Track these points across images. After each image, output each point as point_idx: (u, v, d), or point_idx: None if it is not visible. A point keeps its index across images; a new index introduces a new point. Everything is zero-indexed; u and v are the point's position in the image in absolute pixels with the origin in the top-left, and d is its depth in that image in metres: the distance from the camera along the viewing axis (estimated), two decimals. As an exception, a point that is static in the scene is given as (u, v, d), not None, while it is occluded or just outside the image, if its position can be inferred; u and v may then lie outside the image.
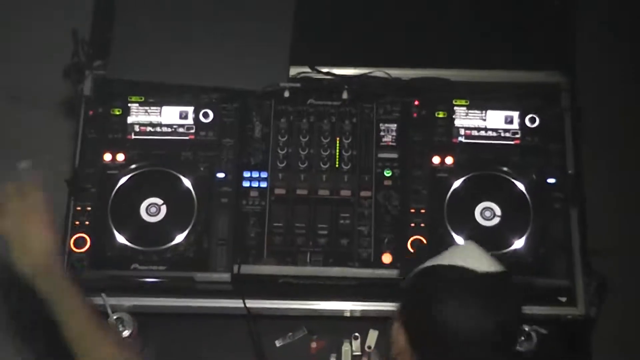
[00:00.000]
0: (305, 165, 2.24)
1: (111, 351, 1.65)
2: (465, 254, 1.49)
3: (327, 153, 2.25)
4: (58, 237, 1.65)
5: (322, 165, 2.24)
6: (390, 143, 2.26)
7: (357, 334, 2.24)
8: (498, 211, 2.17)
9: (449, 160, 2.23)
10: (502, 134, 2.26)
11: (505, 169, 2.20)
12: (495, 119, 2.27)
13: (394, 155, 2.24)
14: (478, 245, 1.53)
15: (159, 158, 2.22)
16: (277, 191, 2.22)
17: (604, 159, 2.82)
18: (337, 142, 2.26)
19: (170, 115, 2.27)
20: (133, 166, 2.20)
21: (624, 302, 2.53)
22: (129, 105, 2.28)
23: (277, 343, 2.25)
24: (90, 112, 2.28)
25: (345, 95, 2.30)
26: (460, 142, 2.26)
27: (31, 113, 3.33)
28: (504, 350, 1.46)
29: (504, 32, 2.49)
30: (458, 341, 1.39)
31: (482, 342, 1.39)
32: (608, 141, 3.03)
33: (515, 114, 2.27)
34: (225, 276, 2.13)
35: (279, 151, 2.25)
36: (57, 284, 1.60)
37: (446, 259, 1.49)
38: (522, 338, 2.14)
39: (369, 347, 2.22)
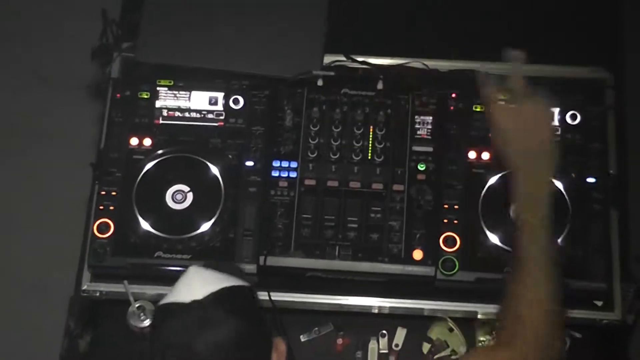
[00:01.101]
0: (336, 156, 2.23)
1: None
2: (182, 287, 1.46)
3: (359, 144, 2.24)
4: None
5: (354, 157, 2.23)
6: (425, 136, 2.25)
7: (384, 332, 2.26)
8: (533, 210, 2.13)
9: (485, 155, 2.22)
10: (542, 130, 2.22)
11: (542, 165, 2.16)
12: (535, 114, 2.23)
13: (429, 149, 2.23)
14: (203, 269, 1.51)
15: (186, 144, 2.23)
16: (307, 182, 2.21)
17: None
18: (370, 133, 2.25)
19: (199, 100, 2.27)
20: (160, 151, 2.20)
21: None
22: (157, 88, 2.28)
23: (302, 338, 2.27)
24: (118, 95, 2.29)
25: (380, 86, 2.29)
26: (497, 137, 2.22)
27: (59, 95, 3.36)
28: None
29: (546, 24, 2.49)
30: None
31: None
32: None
33: (555, 110, 2.22)
34: (251, 267, 2.14)
35: (310, 141, 2.24)
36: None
37: (167, 297, 1.47)
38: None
39: (396, 345, 2.23)
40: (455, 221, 2.17)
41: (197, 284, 1.44)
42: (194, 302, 1.38)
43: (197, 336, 1.35)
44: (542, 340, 1.61)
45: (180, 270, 2.04)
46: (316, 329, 2.28)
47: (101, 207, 2.19)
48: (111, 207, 2.18)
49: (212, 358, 1.36)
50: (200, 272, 1.48)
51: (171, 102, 2.28)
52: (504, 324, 1.67)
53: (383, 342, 2.24)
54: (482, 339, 2.23)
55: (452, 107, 2.28)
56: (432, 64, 2.35)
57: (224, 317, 1.39)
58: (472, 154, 2.23)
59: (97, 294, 2.21)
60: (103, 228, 2.16)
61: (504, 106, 1.73)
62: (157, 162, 2.20)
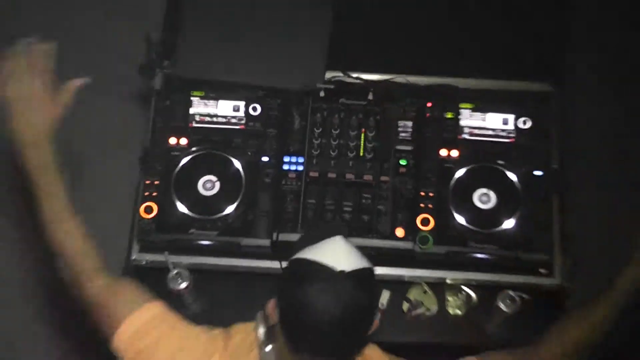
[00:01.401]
0: (335, 153, 2.22)
1: (83, 244, 1.61)
2: (329, 252, 1.39)
3: (353, 144, 2.23)
4: (57, 119, 1.59)
5: (349, 154, 2.22)
6: (407, 138, 2.23)
7: (372, 294, 2.21)
8: (493, 196, 2.13)
9: (454, 153, 2.20)
10: (499, 133, 2.24)
11: (500, 162, 2.17)
12: (494, 120, 2.24)
13: (409, 148, 2.22)
14: (345, 242, 1.43)
15: (214, 143, 2.21)
16: (311, 174, 2.20)
17: (586, 157, 2.76)
18: (362, 135, 2.24)
19: (225, 108, 2.25)
20: (193, 149, 2.19)
21: (595, 278, 2.48)
22: (191, 98, 2.26)
23: (307, 297, 2.22)
24: (160, 104, 2.27)
25: (370, 97, 2.27)
26: (465, 138, 2.23)
27: (114, 103, 3.30)
28: (351, 334, 1.39)
29: (503, 47, 2.47)
30: (306, 324, 1.35)
31: (330, 327, 1.33)
32: (590, 141, 2.96)
33: (510, 117, 2.24)
34: (266, 242, 2.12)
35: (314, 141, 2.23)
36: (44, 162, 1.56)
37: (313, 253, 1.39)
38: (509, 300, 2.10)
39: (382, 305, 2.18)
40: (430, 205, 2.15)
41: (343, 256, 1.38)
42: (342, 272, 1.33)
43: (337, 303, 1.32)
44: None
45: (208, 244, 2.12)
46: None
47: (146, 194, 2.18)
48: (154, 194, 2.17)
49: (342, 323, 1.33)
50: (345, 245, 1.42)
51: (202, 109, 2.26)
52: (551, 338, 1.75)
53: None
54: (449, 298, 2.20)
55: (428, 115, 2.26)
56: (412, 79, 2.33)
57: (360, 293, 1.35)
58: (443, 152, 2.21)
59: (143, 263, 2.20)
60: (148, 210, 2.15)
61: None
62: (191, 157, 2.19)
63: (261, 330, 1.50)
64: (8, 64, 1.50)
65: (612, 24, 3.13)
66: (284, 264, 1.49)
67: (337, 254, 1.37)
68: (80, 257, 1.60)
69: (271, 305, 1.45)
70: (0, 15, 3.31)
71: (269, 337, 1.49)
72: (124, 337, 1.53)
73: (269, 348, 1.48)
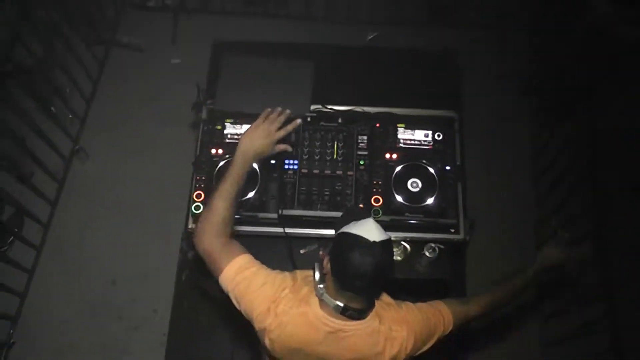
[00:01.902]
0: (318, 157, 2.21)
1: (232, 213, 1.65)
2: (363, 228, 1.46)
3: (330, 151, 2.22)
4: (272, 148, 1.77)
5: (327, 158, 2.21)
6: (364, 147, 2.22)
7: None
8: (420, 183, 2.15)
9: (394, 156, 2.21)
10: (422, 142, 2.24)
11: (424, 161, 2.18)
12: (419, 134, 2.24)
13: (366, 153, 2.22)
14: (374, 222, 1.49)
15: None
16: (303, 171, 2.20)
17: (476, 158, 2.80)
18: (335, 145, 2.23)
19: (246, 129, 2.20)
20: (227, 156, 2.18)
21: (484, 234, 2.52)
22: (226, 124, 2.25)
23: (301, 251, 2.24)
24: (205, 128, 2.27)
25: (340, 121, 2.27)
26: (401, 146, 2.23)
27: (176, 128, 3.31)
28: (379, 283, 1.51)
29: (425, 89, 2.44)
30: (351, 274, 1.43)
31: (364, 277, 1.42)
32: (479, 148, 3.01)
33: (429, 132, 2.25)
34: (275, 215, 2.13)
35: (304, 149, 2.22)
36: (253, 163, 1.76)
37: (353, 228, 1.46)
38: (431, 250, 2.14)
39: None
40: (380, 190, 2.17)
41: (375, 231, 1.45)
42: (375, 242, 1.43)
43: (373, 261, 1.41)
44: (491, 311, 1.80)
45: (238, 217, 2.06)
46: (308, 246, 2.25)
47: (197, 185, 2.17)
48: (202, 185, 2.17)
49: (375, 274, 1.42)
50: (374, 224, 1.48)
51: (232, 130, 2.25)
52: (486, 299, 1.79)
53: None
54: (393, 249, 2.18)
55: (377, 131, 2.25)
56: (366, 109, 2.32)
57: (387, 255, 1.47)
58: (387, 155, 2.21)
59: (195, 230, 2.18)
60: (198, 196, 2.15)
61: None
62: (225, 161, 2.16)
63: (317, 275, 1.55)
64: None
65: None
66: (335, 234, 1.57)
67: (371, 230, 1.45)
68: (227, 217, 1.62)
69: (325, 260, 1.53)
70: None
71: (322, 279, 1.54)
72: (226, 276, 1.57)
73: (321, 286, 1.53)
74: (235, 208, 1.66)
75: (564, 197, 2.93)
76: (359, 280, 1.44)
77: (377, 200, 2.13)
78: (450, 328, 1.67)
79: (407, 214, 2.12)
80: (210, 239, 1.59)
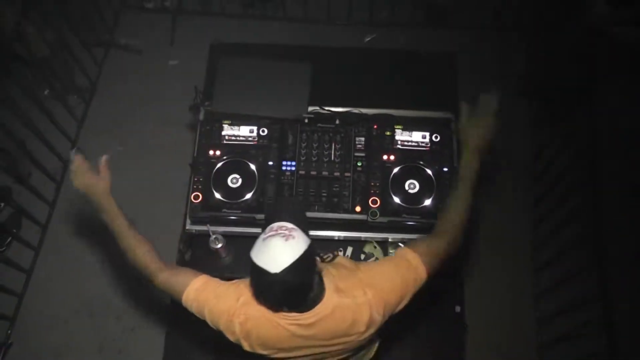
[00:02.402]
0: (315, 159, 2.20)
1: (144, 254, 1.62)
2: (263, 257, 1.34)
3: (327, 152, 2.21)
4: (107, 183, 1.63)
5: (324, 159, 2.20)
6: (361, 148, 2.21)
7: (341, 248, 2.23)
8: (417, 185, 2.14)
9: (392, 157, 2.19)
10: (420, 144, 2.22)
11: (421, 162, 2.17)
12: (417, 136, 2.22)
13: (363, 154, 2.20)
14: (281, 240, 1.35)
15: (238, 153, 2.18)
16: (300, 172, 2.18)
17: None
18: (333, 146, 2.22)
19: (244, 130, 2.22)
20: (225, 157, 2.18)
21: (481, 235, 2.51)
22: (223, 125, 2.23)
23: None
24: (203, 129, 2.25)
25: (337, 122, 2.26)
26: (398, 148, 2.21)
27: (174, 129, 3.31)
28: (299, 297, 1.43)
29: (423, 90, 2.44)
30: (265, 300, 1.45)
31: (279, 300, 1.43)
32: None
33: (427, 134, 2.23)
34: (272, 217, 2.10)
35: (302, 151, 2.22)
36: (108, 208, 1.62)
37: (257, 254, 1.35)
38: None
39: (348, 256, 2.21)
40: (377, 191, 2.15)
41: (276, 259, 1.33)
42: (276, 274, 1.32)
43: (280, 287, 1.35)
44: (458, 237, 1.64)
45: (235, 219, 2.12)
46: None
47: (195, 186, 2.16)
48: (200, 186, 2.16)
49: (286, 295, 1.40)
50: (276, 246, 1.34)
51: (230, 132, 2.23)
52: (441, 223, 1.67)
53: (340, 254, 2.20)
54: (390, 251, 2.20)
55: (374, 133, 2.24)
56: (364, 110, 2.31)
57: (295, 276, 1.35)
58: (385, 157, 2.19)
59: (193, 231, 2.20)
60: (196, 197, 2.14)
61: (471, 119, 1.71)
62: (223, 163, 2.18)
63: None
64: (71, 168, 1.62)
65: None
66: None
67: (270, 258, 1.34)
68: (144, 262, 1.62)
69: None
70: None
71: None
72: (187, 300, 1.57)
73: None
74: (139, 243, 1.63)
75: (563, 198, 2.93)
76: (270, 303, 1.46)
77: (374, 202, 2.11)
78: (424, 276, 1.56)
79: (404, 215, 2.10)
80: (156, 278, 1.61)
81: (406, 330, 2.58)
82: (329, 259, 1.79)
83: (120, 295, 3.04)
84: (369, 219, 2.10)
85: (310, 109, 2.30)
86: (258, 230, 2.10)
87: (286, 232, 1.38)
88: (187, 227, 2.18)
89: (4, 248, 3.13)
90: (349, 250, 2.23)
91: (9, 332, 2.97)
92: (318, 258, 1.53)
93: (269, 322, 1.51)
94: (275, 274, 1.32)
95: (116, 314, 3.03)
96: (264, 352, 1.59)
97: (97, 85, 3.68)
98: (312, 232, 2.14)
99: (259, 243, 1.38)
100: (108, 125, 3.53)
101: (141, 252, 1.62)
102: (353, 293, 1.51)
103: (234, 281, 1.60)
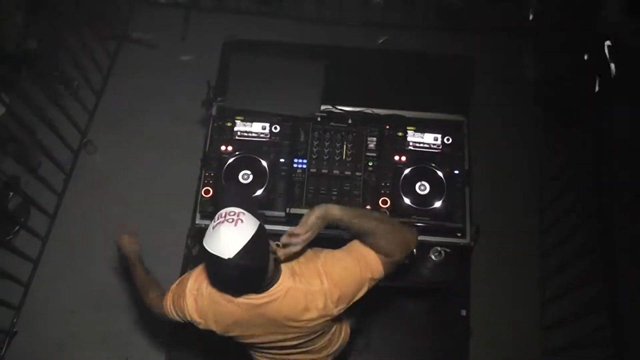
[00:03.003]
0: (327, 157, 2.21)
1: (158, 291, 1.81)
2: (215, 244, 1.36)
3: (338, 151, 2.21)
4: (139, 248, 1.95)
5: (335, 158, 2.21)
6: (373, 148, 2.21)
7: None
8: (428, 186, 2.14)
9: (403, 158, 2.19)
10: (432, 146, 2.22)
11: (432, 164, 2.17)
12: (429, 137, 2.23)
13: (374, 154, 2.21)
14: (230, 227, 1.36)
15: (249, 149, 2.19)
16: (312, 170, 2.19)
17: (484, 162, 2.80)
18: (344, 145, 2.22)
19: (256, 127, 2.23)
20: (237, 153, 2.18)
21: (489, 240, 2.51)
22: (236, 121, 2.24)
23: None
24: (215, 124, 2.26)
25: (349, 121, 2.26)
26: (410, 149, 2.22)
27: (186, 125, 3.32)
28: (251, 281, 1.48)
29: (436, 93, 2.44)
30: (220, 286, 1.53)
31: (232, 286, 1.50)
32: (487, 152, 3.01)
33: (439, 135, 2.23)
34: (282, 214, 2.12)
35: (313, 149, 2.22)
36: (136, 261, 1.92)
37: (209, 242, 1.37)
38: (437, 253, 2.14)
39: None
40: (388, 192, 2.15)
41: (227, 244, 1.35)
42: (229, 259, 1.35)
43: (232, 271, 1.37)
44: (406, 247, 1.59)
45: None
46: (314, 246, 2.22)
47: (205, 181, 2.17)
48: (211, 181, 2.17)
49: (239, 279, 1.42)
50: (226, 231, 1.36)
51: (242, 128, 2.24)
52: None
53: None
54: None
55: (386, 133, 2.24)
56: (376, 110, 2.32)
57: (248, 260, 1.37)
58: (396, 157, 2.20)
59: (203, 225, 2.19)
60: (207, 192, 2.16)
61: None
62: (235, 158, 2.18)
63: None
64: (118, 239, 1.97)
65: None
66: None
67: (222, 243, 1.35)
68: (150, 303, 1.83)
69: None
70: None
71: None
72: (168, 313, 1.72)
73: None
74: (154, 288, 1.84)
75: (571, 205, 2.93)
76: (229, 289, 1.52)
77: (384, 202, 2.12)
78: (380, 270, 1.54)
79: (414, 216, 2.10)
80: (151, 308, 1.82)
81: (411, 331, 2.58)
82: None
83: (126, 288, 3.03)
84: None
85: (322, 107, 2.31)
86: (267, 227, 2.12)
87: (234, 216, 1.39)
88: (197, 222, 2.19)
89: (11, 236, 3.14)
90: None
91: (15, 320, 2.97)
92: (272, 242, 1.53)
93: (222, 298, 1.56)
94: (229, 259, 1.34)
95: (122, 307, 3.03)
96: (219, 330, 1.65)
97: (109, 78, 3.70)
98: (322, 232, 2.17)
99: (209, 231, 1.40)
100: (119, 118, 3.53)
101: (151, 293, 1.82)
102: (309, 280, 1.53)
103: (194, 270, 1.70)
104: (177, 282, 1.73)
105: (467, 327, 2.52)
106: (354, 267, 1.54)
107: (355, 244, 1.58)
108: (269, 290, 1.50)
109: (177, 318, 1.70)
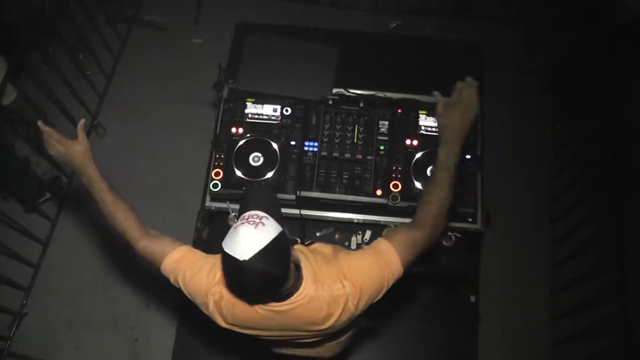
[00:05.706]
0: (338, 140, 2.20)
1: (125, 220, 1.64)
2: (231, 244, 1.32)
3: (350, 134, 2.20)
4: (84, 147, 1.66)
5: (347, 141, 2.19)
6: (384, 132, 2.20)
7: (360, 232, 2.23)
8: (439, 171, 2.12)
9: (415, 142, 2.19)
10: (444, 130, 2.20)
11: (444, 149, 2.15)
12: (441, 122, 2.21)
13: (386, 138, 2.20)
14: (248, 228, 1.32)
15: (260, 132, 2.19)
16: (323, 153, 2.18)
17: (497, 148, 2.78)
18: (356, 129, 2.21)
19: (268, 109, 2.22)
20: (247, 135, 2.18)
21: (500, 227, 2.50)
22: (247, 103, 2.23)
23: (317, 234, 2.25)
24: (226, 106, 2.25)
25: (361, 105, 2.25)
26: (422, 133, 2.21)
27: (197, 107, 3.33)
28: (269, 289, 1.40)
29: (445, 76, 2.42)
30: (237, 292, 1.46)
31: (249, 293, 1.42)
32: (499, 140, 3.00)
33: None
34: (292, 197, 2.13)
35: (325, 132, 2.21)
36: (89, 174, 1.65)
37: (227, 243, 1.34)
38: (448, 238, 2.14)
39: (366, 239, 2.20)
40: (399, 176, 2.15)
41: (245, 244, 1.31)
42: (244, 261, 1.30)
43: (249, 275, 1.31)
44: (437, 228, 1.59)
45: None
46: (325, 229, 2.26)
47: (216, 163, 2.17)
48: (221, 163, 2.17)
49: (254, 285, 1.34)
50: (244, 232, 1.32)
51: (253, 110, 2.23)
52: (420, 214, 1.60)
53: (359, 237, 2.23)
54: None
55: (398, 117, 2.23)
56: (388, 94, 2.31)
57: (264, 264, 1.31)
58: (408, 142, 2.20)
59: (212, 208, 2.22)
60: (217, 174, 2.15)
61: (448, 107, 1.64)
62: (245, 140, 2.18)
63: None
64: (44, 138, 1.70)
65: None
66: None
67: (238, 245, 1.32)
68: (123, 228, 1.65)
69: None
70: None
71: None
72: (165, 268, 1.60)
73: None
74: (118, 209, 1.65)
75: (582, 195, 2.92)
76: (244, 295, 1.46)
77: (396, 186, 2.12)
78: (400, 271, 1.53)
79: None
80: (136, 244, 1.64)
81: (420, 317, 2.59)
82: (306, 242, 1.80)
83: (136, 271, 3.06)
84: (390, 203, 2.11)
85: (334, 90, 2.29)
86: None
87: (256, 219, 1.36)
88: (206, 204, 2.20)
89: (39, 202, 3.22)
90: (368, 233, 2.23)
91: (24, 302, 3.02)
92: (294, 246, 1.50)
93: (243, 303, 1.50)
94: (245, 261, 1.30)
95: (131, 290, 3.06)
96: (237, 329, 1.60)
97: (120, 60, 3.71)
98: (332, 214, 2.18)
99: (230, 232, 1.37)
100: (129, 101, 3.55)
101: (121, 217, 1.65)
102: (331, 285, 1.50)
103: (215, 255, 1.58)
104: (187, 257, 1.59)
105: (477, 313, 2.53)
106: (374, 267, 1.52)
107: (374, 245, 1.57)
108: (291, 298, 1.47)
109: (176, 286, 1.61)
